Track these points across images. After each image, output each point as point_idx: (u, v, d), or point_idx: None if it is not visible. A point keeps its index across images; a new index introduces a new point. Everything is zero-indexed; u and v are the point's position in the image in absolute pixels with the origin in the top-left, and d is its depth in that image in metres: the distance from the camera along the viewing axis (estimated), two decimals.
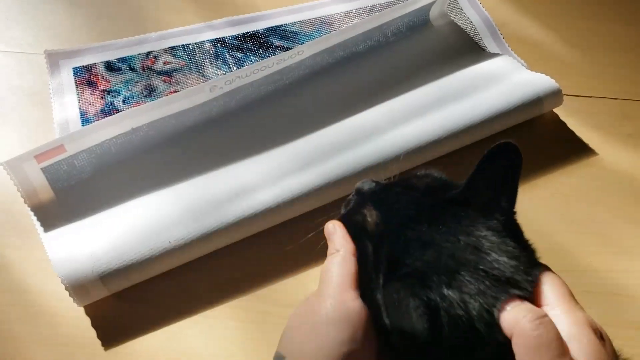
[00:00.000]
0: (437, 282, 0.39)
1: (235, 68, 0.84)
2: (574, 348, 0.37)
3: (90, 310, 0.62)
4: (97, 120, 0.77)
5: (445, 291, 0.38)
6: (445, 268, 0.39)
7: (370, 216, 0.47)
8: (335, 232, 0.49)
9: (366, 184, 0.52)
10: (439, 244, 0.41)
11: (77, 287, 0.60)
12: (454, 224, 0.42)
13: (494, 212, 0.43)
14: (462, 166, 0.73)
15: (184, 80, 0.82)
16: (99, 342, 0.60)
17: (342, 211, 0.53)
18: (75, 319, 0.62)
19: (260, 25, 0.90)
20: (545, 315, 0.37)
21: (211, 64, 0.85)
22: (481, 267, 0.39)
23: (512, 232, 0.43)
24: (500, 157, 0.43)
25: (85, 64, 0.83)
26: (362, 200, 0.50)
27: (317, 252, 0.67)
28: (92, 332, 0.61)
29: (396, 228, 0.44)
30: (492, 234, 0.41)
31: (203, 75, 0.83)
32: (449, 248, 0.40)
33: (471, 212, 0.43)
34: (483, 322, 0.38)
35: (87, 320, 0.62)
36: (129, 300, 0.63)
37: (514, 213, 0.44)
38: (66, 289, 0.59)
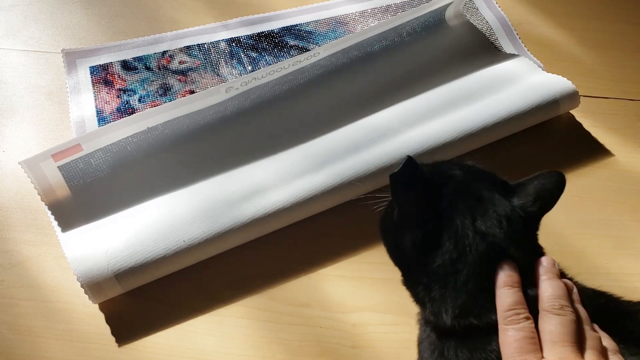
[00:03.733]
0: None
1: (250, 67, 0.84)
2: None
3: (104, 307, 0.63)
4: (112, 119, 0.78)
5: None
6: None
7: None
8: None
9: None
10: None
11: (92, 285, 0.60)
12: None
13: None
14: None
15: (199, 79, 0.83)
16: (113, 339, 0.61)
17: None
18: (90, 316, 0.62)
19: (275, 25, 0.90)
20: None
21: (226, 63, 0.85)
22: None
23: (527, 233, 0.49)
24: (550, 178, 0.51)
25: (101, 63, 0.84)
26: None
27: (330, 252, 0.67)
28: (107, 329, 0.62)
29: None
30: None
31: (218, 75, 0.83)
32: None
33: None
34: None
35: (101, 317, 0.62)
36: (143, 297, 0.64)
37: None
38: (82, 286, 0.60)
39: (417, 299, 0.51)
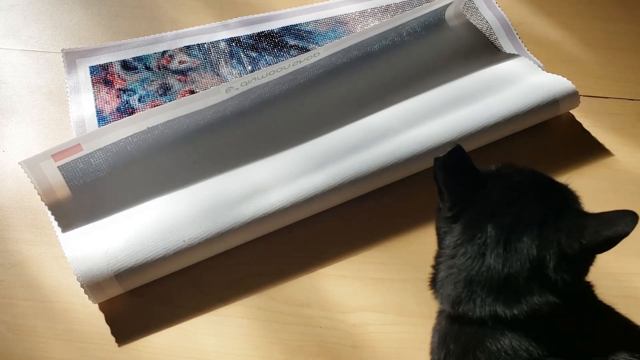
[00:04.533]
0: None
1: (250, 67, 0.84)
2: None
3: (104, 307, 0.63)
4: (112, 119, 0.78)
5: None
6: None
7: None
8: None
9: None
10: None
11: (92, 285, 0.60)
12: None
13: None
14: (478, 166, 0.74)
15: (199, 79, 0.83)
16: (112, 339, 0.61)
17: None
18: (90, 315, 0.62)
19: (275, 25, 0.90)
20: None
21: (226, 63, 0.85)
22: None
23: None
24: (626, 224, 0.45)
25: (101, 62, 0.84)
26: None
27: (330, 252, 0.67)
28: (107, 329, 0.62)
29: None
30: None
31: (218, 75, 0.83)
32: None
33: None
34: None
35: (101, 317, 0.62)
36: (143, 297, 0.64)
37: None
38: (81, 286, 0.60)
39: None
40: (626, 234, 0.43)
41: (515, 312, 0.45)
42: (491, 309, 0.46)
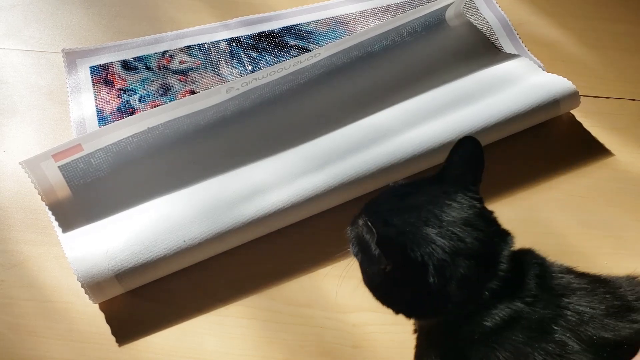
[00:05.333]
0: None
1: (250, 67, 0.84)
2: None
3: (105, 307, 0.63)
4: (113, 119, 0.78)
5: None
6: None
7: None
8: None
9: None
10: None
11: (93, 285, 0.60)
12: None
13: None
14: None
15: (199, 79, 0.83)
16: (113, 339, 0.61)
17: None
18: (90, 315, 0.62)
19: (275, 25, 0.90)
20: None
21: (226, 63, 0.85)
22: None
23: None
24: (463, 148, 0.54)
25: (102, 62, 0.84)
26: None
27: (330, 252, 0.67)
28: (107, 329, 0.62)
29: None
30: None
31: (218, 75, 0.83)
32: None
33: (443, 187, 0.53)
34: None
35: (101, 317, 0.62)
36: (144, 297, 0.64)
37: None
38: (82, 286, 0.60)
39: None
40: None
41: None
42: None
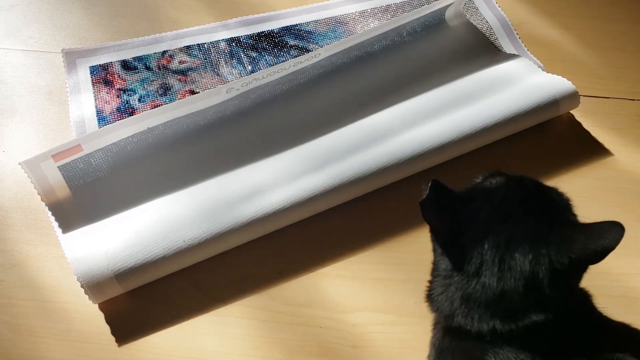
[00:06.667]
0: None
1: (250, 67, 0.84)
2: None
3: (104, 307, 0.63)
4: (112, 119, 0.78)
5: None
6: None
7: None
8: None
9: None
10: None
11: (93, 285, 0.60)
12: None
13: None
14: (478, 167, 0.74)
15: (199, 79, 0.83)
16: (112, 339, 0.61)
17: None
18: (90, 316, 0.62)
19: (275, 25, 0.90)
20: None
21: (226, 63, 0.85)
22: None
23: None
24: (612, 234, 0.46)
25: (101, 62, 0.84)
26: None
27: (330, 252, 0.67)
28: (107, 329, 0.62)
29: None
30: None
31: (218, 75, 0.83)
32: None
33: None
34: None
35: (101, 317, 0.62)
36: (143, 297, 0.64)
37: None
38: (82, 286, 0.60)
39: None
40: (612, 248, 0.44)
41: (513, 327, 0.47)
42: (489, 324, 0.47)
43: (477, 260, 0.47)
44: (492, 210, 0.49)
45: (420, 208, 0.49)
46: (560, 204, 0.51)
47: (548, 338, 0.47)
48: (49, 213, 0.66)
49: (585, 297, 0.52)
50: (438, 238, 0.52)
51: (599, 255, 0.45)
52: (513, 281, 0.46)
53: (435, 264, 0.53)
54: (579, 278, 0.49)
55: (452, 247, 0.50)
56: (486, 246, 0.47)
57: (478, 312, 0.48)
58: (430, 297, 0.52)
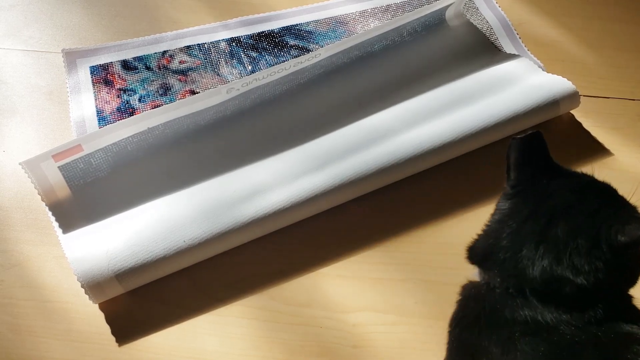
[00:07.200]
0: None
1: (250, 67, 0.84)
2: None
3: (104, 307, 0.63)
4: (113, 119, 0.78)
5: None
6: None
7: None
8: None
9: None
10: None
11: (93, 285, 0.60)
12: None
13: None
14: (477, 167, 0.74)
15: (199, 79, 0.83)
16: (113, 339, 0.61)
17: None
18: (90, 316, 0.62)
19: (275, 25, 0.90)
20: None
21: (226, 63, 0.85)
22: None
23: None
24: None
25: (101, 62, 0.84)
26: None
27: (330, 252, 0.67)
28: (107, 329, 0.62)
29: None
30: None
31: (218, 75, 0.83)
32: None
33: None
34: None
35: (101, 317, 0.62)
36: (143, 297, 0.64)
37: None
38: (82, 286, 0.60)
39: None
40: None
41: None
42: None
43: (531, 215, 0.48)
44: (564, 184, 0.50)
45: (510, 143, 0.50)
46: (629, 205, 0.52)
47: (578, 309, 0.47)
48: (49, 213, 0.66)
49: (628, 297, 0.51)
50: (508, 182, 0.52)
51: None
52: (560, 243, 0.47)
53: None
54: (635, 274, 0.49)
55: (514, 196, 0.50)
56: (544, 206, 0.48)
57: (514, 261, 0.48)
58: (472, 249, 0.52)
